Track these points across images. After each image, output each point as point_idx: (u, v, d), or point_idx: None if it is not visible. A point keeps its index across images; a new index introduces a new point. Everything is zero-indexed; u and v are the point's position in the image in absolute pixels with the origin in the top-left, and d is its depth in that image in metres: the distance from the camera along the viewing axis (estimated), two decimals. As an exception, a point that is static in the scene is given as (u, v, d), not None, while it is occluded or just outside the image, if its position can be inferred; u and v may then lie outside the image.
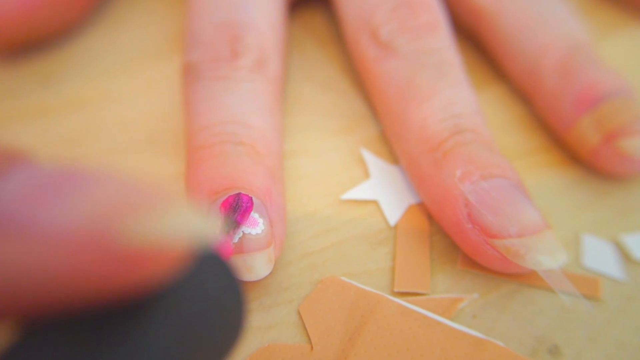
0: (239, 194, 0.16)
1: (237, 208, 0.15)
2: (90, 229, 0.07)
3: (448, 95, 0.18)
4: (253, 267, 0.15)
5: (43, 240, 0.07)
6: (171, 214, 0.08)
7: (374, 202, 0.19)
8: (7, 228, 0.07)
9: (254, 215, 0.16)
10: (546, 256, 0.15)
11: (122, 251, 0.07)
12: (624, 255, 0.18)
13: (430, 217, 0.19)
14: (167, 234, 0.08)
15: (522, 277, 0.17)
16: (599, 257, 0.18)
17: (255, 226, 0.15)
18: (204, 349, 0.09)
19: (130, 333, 0.08)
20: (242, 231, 0.15)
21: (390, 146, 0.20)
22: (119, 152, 0.20)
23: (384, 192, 0.19)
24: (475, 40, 0.24)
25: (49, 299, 0.07)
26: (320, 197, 0.19)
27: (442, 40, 0.20)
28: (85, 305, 0.08)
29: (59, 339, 0.08)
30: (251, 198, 0.16)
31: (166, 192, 0.08)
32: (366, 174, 0.20)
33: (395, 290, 0.17)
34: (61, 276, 0.07)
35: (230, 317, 0.10)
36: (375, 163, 0.20)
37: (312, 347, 0.16)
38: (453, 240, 0.17)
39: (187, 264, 0.09)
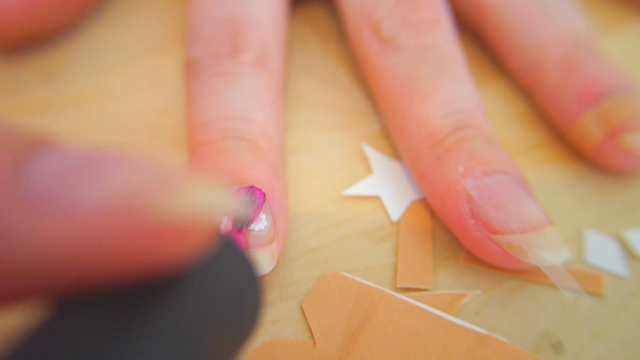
0: (251, 187, 0.15)
1: (250, 203, 0.15)
2: (121, 205, 0.08)
3: (450, 91, 0.18)
4: (256, 263, 0.15)
5: (75, 216, 0.07)
6: (198, 190, 0.08)
7: (376, 198, 0.19)
8: (40, 205, 0.07)
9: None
10: (549, 252, 0.15)
11: (153, 225, 0.08)
12: (627, 252, 0.18)
13: (432, 213, 0.19)
14: (195, 210, 0.08)
15: (525, 273, 0.17)
16: (602, 253, 0.18)
17: (259, 222, 0.15)
18: (225, 332, 0.09)
19: (161, 308, 0.08)
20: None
21: (393, 142, 0.20)
22: (120, 147, 0.20)
23: (386, 188, 0.19)
24: (477, 35, 0.24)
25: (81, 274, 0.08)
26: (322, 193, 0.19)
27: (444, 36, 0.19)
28: (113, 281, 0.08)
29: (90, 315, 0.08)
30: (264, 193, 0.16)
31: (190, 172, 0.08)
32: (368, 170, 0.20)
33: (398, 286, 0.17)
34: (93, 251, 0.07)
35: (250, 300, 0.10)
36: (377, 159, 0.20)
37: (314, 343, 0.16)
38: (455, 236, 0.17)
39: (212, 242, 0.09)
